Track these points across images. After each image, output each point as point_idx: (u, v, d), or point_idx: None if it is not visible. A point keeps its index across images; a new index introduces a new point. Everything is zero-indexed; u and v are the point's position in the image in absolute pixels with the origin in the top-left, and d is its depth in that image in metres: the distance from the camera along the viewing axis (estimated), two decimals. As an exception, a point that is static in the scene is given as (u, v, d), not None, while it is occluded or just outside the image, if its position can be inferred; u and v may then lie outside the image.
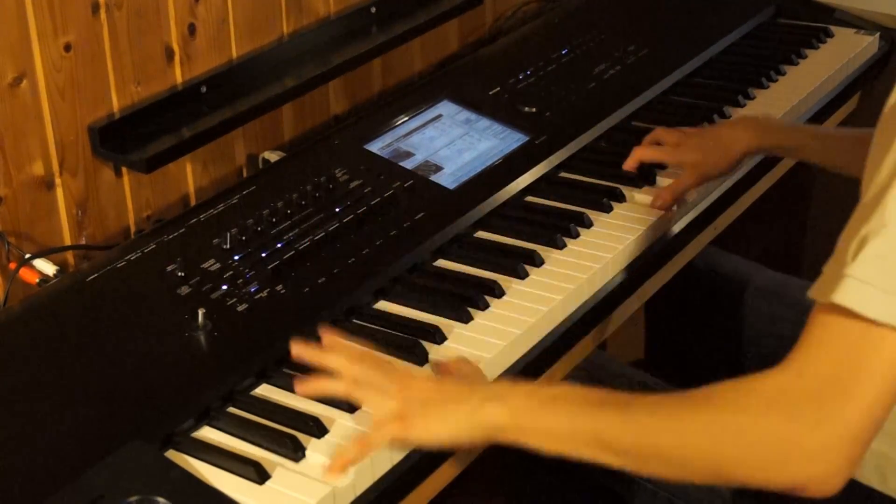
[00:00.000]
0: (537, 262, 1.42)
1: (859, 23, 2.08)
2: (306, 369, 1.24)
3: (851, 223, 0.99)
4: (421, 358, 1.26)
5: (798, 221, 2.27)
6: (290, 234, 1.41)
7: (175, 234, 1.42)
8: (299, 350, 1.19)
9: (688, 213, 1.58)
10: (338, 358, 1.17)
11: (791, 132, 1.63)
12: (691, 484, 1.43)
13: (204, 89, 1.63)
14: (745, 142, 1.58)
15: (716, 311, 1.74)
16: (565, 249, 1.46)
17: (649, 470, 1.07)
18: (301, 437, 1.14)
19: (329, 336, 1.20)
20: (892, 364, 0.94)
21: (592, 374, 1.56)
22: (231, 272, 1.35)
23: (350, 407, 1.18)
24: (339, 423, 1.17)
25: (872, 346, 0.95)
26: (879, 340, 0.95)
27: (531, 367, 1.31)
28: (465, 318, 1.32)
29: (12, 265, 1.43)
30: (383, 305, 1.37)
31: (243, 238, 1.40)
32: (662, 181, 1.60)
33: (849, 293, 0.95)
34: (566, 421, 1.08)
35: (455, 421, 1.13)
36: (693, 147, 1.59)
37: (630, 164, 1.61)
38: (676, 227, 1.55)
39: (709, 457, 1.01)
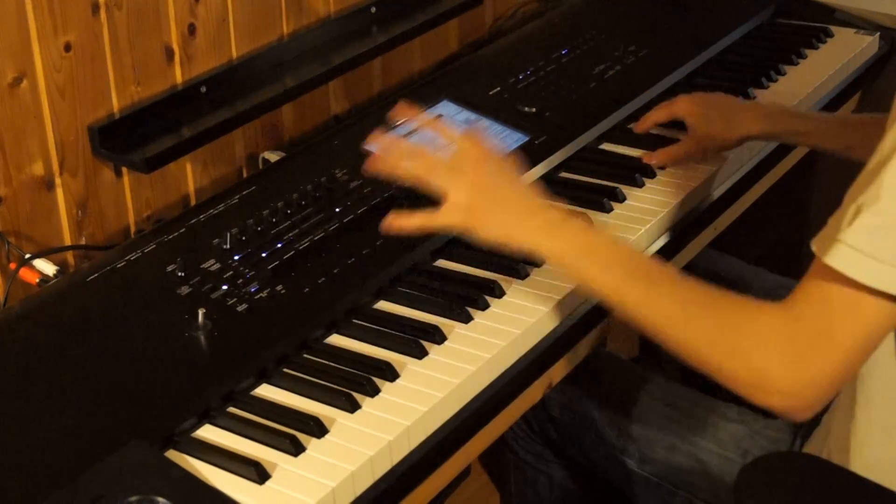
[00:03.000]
0: (538, 262, 1.42)
1: (859, 23, 2.08)
2: (306, 370, 1.25)
3: (855, 184, 1.05)
4: (421, 357, 1.26)
5: (798, 223, 2.27)
6: (290, 234, 1.41)
7: (175, 234, 1.42)
8: (401, 107, 1.36)
9: (688, 214, 1.58)
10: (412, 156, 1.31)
11: (798, 118, 1.65)
12: (694, 475, 1.43)
13: (204, 89, 1.63)
14: (753, 123, 1.61)
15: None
16: (565, 249, 1.46)
17: (658, 341, 1.18)
18: (301, 436, 1.14)
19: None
20: (868, 324, 1.04)
21: (593, 368, 1.57)
22: (231, 272, 1.35)
23: (351, 406, 1.18)
24: (339, 422, 1.17)
25: (854, 307, 1.03)
26: (860, 302, 1.03)
27: (532, 366, 1.31)
28: (465, 318, 1.32)
29: (12, 265, 1.43)
30: (383, 305, 1.37)
31: (243, 238, 1.40)
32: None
33: (839, 258, 1.03)
34: (597, 276, 1.21)
35: (513, 230, 1.25)
36: (704, 118, 1.62)
37: (642, 128, 1.69)
38: (676, 228, 1.55)
39: (702, 355, 1.13)
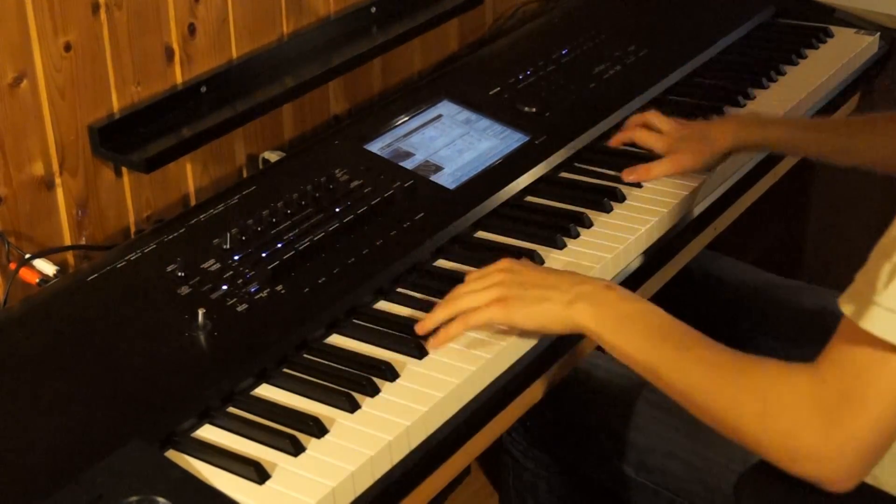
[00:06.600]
0: (537, 262, 1.42)
1: (859, 23, 2.08)
2: (306, 370, 1.25)
3: (885, 240, 1.01)
4: (421, 357, 1.26)
5: (797, 223, 2.27)
6: (290, 235, 1.41)
7: (175, 234, 1.42)
8: (422, 327, 1.28)
9: (688, 214, 1.58)
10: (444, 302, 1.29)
11: (777, 126, 1.64)
12: (694, 481, 1.43)
13: (204, 89, 1.63)
14: (730, 138, 1.61)
15: (714, 315, 1.74)
16: (565, 250, 1.46)
17: (688, 408, 1.16)
18: (301, 436, 1.15)
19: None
20: None
21: (591, 374, 1.57)
22: (231, 272, 1.35)
23: (351, 406, 1.18)
24: (339, 422, 1.17)
25: (884, 366, 1.00)
26: (891, 362, 0.99)
27: (532, 367, 1.31)
28: (465, 318, 1.32)
29: (12, 265, 1.43)
30: (383, 305, 1.37)
31: (243, 238, 1.40)
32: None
33: (878, 322, 0.99)
34: (633, 346, 1.20)
35: (550, 309, 1.24)
36: (681, 140, 1.62)
37: (616, 142, 1.67)
38: (676, 228, 1.55)
39: (731, 422, 1.10)
